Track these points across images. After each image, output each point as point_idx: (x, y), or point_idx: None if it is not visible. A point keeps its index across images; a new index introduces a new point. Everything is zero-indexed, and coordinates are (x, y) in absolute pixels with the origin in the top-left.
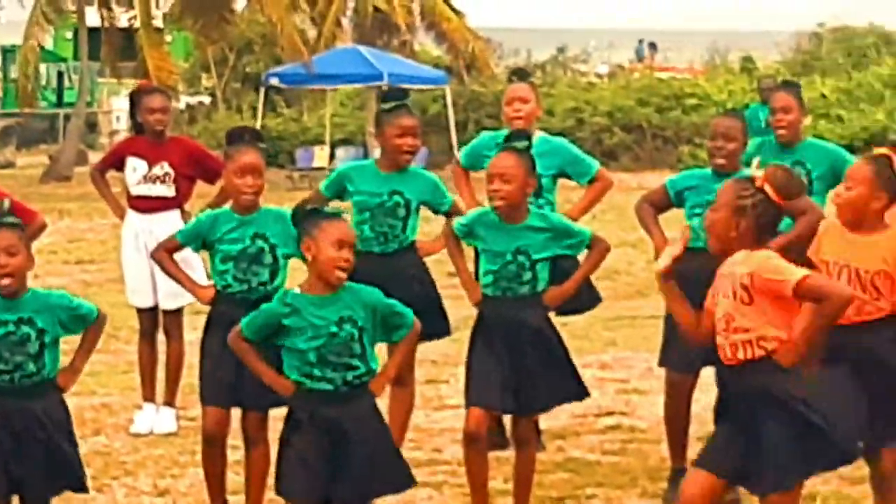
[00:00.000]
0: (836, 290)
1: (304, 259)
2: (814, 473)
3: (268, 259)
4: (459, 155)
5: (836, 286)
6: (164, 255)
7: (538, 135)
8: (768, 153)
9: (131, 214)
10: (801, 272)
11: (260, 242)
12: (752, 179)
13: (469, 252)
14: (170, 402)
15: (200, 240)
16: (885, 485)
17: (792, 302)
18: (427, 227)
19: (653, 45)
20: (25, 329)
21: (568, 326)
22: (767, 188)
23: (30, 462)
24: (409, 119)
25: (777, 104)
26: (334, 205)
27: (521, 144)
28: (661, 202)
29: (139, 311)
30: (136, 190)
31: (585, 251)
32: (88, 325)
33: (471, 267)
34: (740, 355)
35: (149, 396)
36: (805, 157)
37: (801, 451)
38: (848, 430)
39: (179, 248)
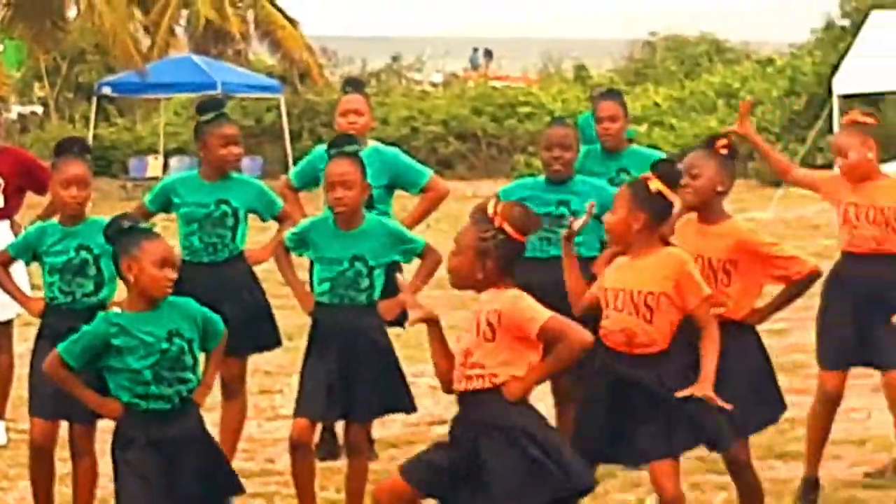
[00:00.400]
0: (576, 335)
1: (123, 278)
2: None
3: (92, 271)
4: (290, 175)
5: (577, 331)
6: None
7: (370, 145)
8: (594, 161)
9: None
10: (547, 314)
11: (84, 254)
12: (490, 219)
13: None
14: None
15: (31, 252)
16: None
17: (533, 342)
18: (260, 237)
19: (488, 53)
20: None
21: (401, 336)
22: (506, 227)
23: None
24: (230, 128)
25: (603, 113)
26: (159, 218)
27: (352, 148)
28: None
29: None
30: None
31: (418, 261)
32: None
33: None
34: (471, 385)
35: None
36: (629, 164)
37: (518, 483)
38: (579, 461)
39: (11, 260)
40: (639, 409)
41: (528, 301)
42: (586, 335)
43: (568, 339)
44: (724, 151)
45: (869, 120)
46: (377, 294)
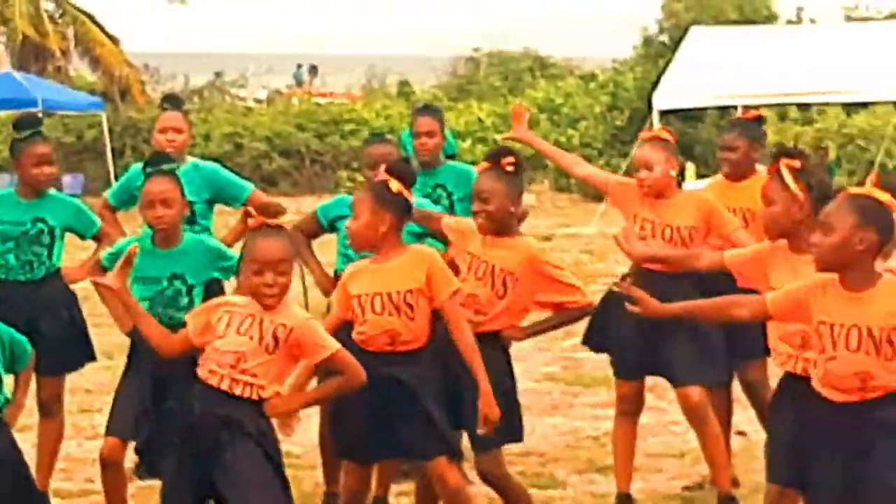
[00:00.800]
0: (355, 372)
1: None
2: None
3: None
4: (108, 194)
5: (356, 368)
6: None
7: (189, 160)
8: None
9: None
10: (335, 345)
11: None
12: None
13: None
14: None
15: None
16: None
17: (303, 365)
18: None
19: (313, 69)
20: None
21: None
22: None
23: None
24: (43, 147)
25: (419, 129)
26: None
27: (169, 167)
28: (311, 229)
29: None
30: None
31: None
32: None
33: None
34: (236, 390)
35: None
36: (446, 179)
37: (259, 482)
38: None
39: None
40: (405, 407)
41: (321, 328)
42: (361, 373)
43: (350, 372)
44: (510, 169)
45: (668, 136)
46: None
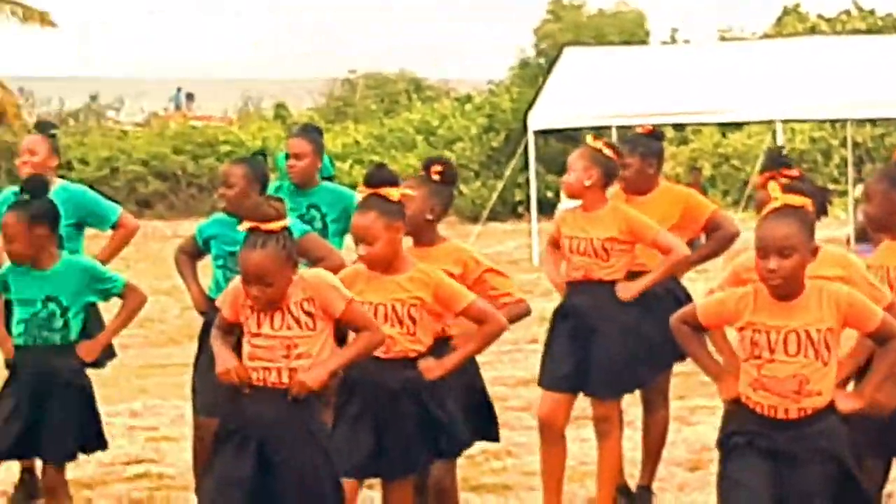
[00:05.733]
0: (373, 326)
1: None
2: None
3: None
4: None
5: (372, 322)
6: None
7: (57, 183)
8: (285, 196)
9: None
10: (348, 296)
11: None
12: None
13: None
14: None
15: None
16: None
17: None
18: None
19: (189, 96)
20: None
21: (98, 374)
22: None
23: None
24: None
25: (291, 150)
26: None
27: (25, 197)
28: (193, 250)
29: None
30: None
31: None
32: None
33: None
34: (274, 378)
35: None
36: (320, 200)
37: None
38: None
39: None
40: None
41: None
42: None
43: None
44: (436, 177)
45: (600, 147)
46: (74, 334)
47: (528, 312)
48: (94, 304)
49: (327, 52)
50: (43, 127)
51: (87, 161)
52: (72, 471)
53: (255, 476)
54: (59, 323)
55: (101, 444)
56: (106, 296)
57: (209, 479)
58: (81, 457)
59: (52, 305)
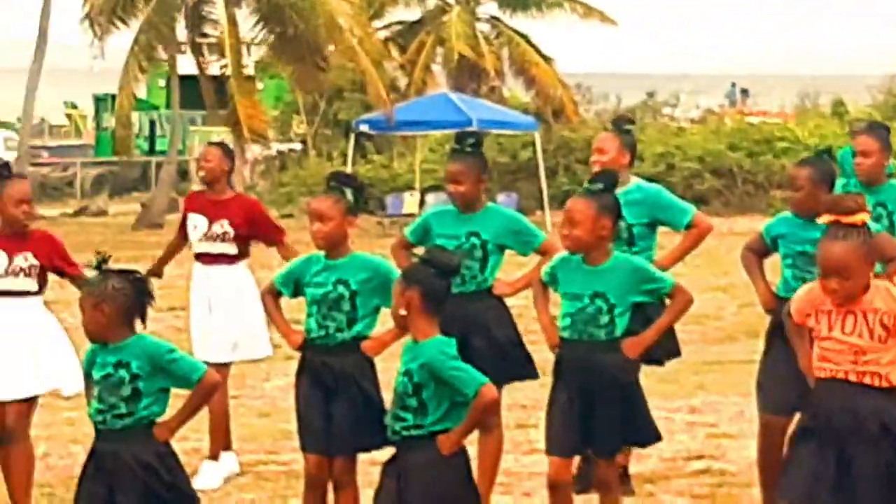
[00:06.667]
0: None
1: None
2: None
3: (346, 306)
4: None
5: None
6: (268, 297)
7: (633, 182)
8: None
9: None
10: None
11: (341, 288)
12: None
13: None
14: (228, 447)
15: (293, 283)
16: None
17: None
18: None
19: (744, 91)
20: (122, 372)
21: (657, 371)
22: None
23: None
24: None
25: (857, 148)
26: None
27: (596, 187)
28: (760, 248)
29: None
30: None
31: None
32: (192, 385)
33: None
34: (866, 381)
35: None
36: (887, 198)
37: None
38: None
39: (279, 293)
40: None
41: None
42: None
43: None
44: None
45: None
46: (619, 331)
47: None
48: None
49: (887, 47)
50: (617, 123)
51: (643, 157)
52: (634, 465)
53: (837, 474)
54: (604, 319)
55: (652, 436)
56: (654, 296)
57: (793, 477)
58: (642, 451)
59: (598, 301)
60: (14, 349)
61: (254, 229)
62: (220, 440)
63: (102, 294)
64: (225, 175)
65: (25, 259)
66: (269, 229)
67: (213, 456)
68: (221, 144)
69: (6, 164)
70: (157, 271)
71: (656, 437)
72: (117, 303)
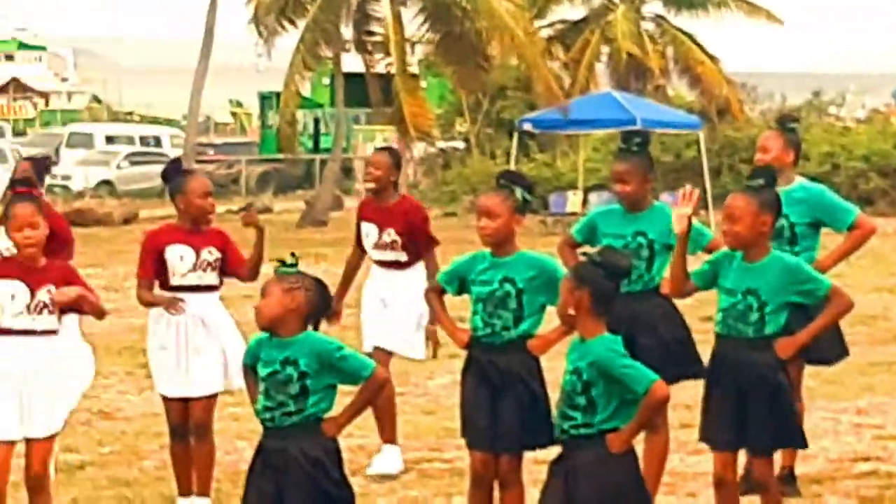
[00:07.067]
0: None
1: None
2: None
3: (512, 304)
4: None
5: None
6: (432, 295)
7: (797, 181)
8: None
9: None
10: None
11: (507, 286)
12: None
13: None
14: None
15: (458, 281)
16: None
17: None
18: None
19: None
20: (289, 370)
21: (823, 373)
22: None
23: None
24: (622, 164)
25: None
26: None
27: (756, 183)
28: None
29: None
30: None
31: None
32: (361, 382)
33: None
34: None
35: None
36: None
37: None
38: None
39: (443, 291)
40: None
41: None
42: None
43: None
44: None
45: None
46: (770, 330)
47: None
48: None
49: None
50: (781, 121)
51: (809, 157)
52: (800, 466)
53: None
54: (754, 317)
55: (800, 440)
56: (811, 298)
57: None
58: (807, 452)
59: (750, 298)
60: (203, 346)
61: (412, 236)
62: (391, 427)
63: (298, 283)
64: (392, 183)
65: (210, 253)
66: (423, 237)
67: (390, 440)
68: (390, 150)
69: (179, 161)
70: (338, 308)
71: (803, 442)
72: (308, 297)
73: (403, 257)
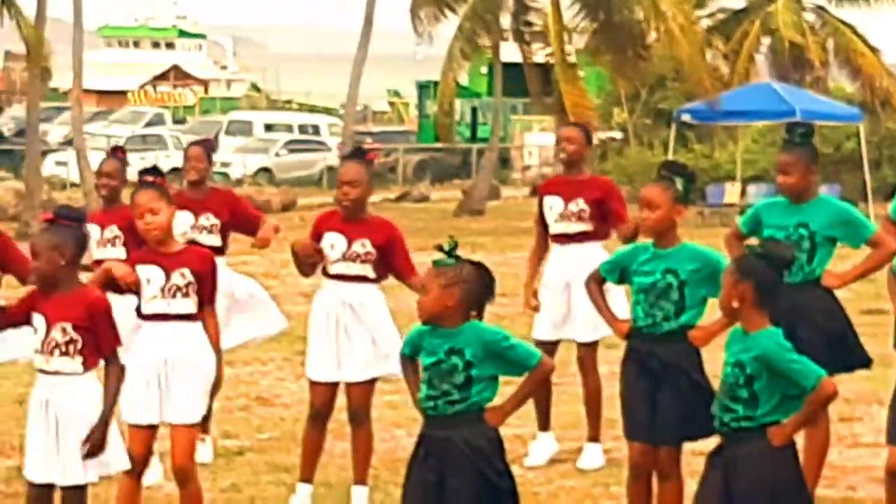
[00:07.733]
0: None
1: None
2: None
3: (674, 295)
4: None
5: None
6: (592, 285)
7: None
8: None
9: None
10: None
11: (670, 278)
12: None
13: None
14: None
15: (619, 270)
16: None
17: None
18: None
19: None
20: (455, 359)
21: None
22: None
23: (454, 493)
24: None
25: None
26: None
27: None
28: None
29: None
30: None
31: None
32: (526, 371)
33: None
34: None
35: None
36: None
37: None
38: None
39: (603, 280)
40: None
41: None
42: None
43: None
44: None
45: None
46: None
47: None
48: None
49: None
50: None
51: None
52: None
53: None
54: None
55: None
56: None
57: None
58: None
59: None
60: (354, 333)
61: (601, 208)
62: (544, 416)
63: (458, 276)
64: (583, 159)
65: (363, 246)
66: (613, 214)
67: (544, 427)
68: (582, 126)
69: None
70: (533, 296)
71: None
72: (468, 288)
73: (589, 227)
